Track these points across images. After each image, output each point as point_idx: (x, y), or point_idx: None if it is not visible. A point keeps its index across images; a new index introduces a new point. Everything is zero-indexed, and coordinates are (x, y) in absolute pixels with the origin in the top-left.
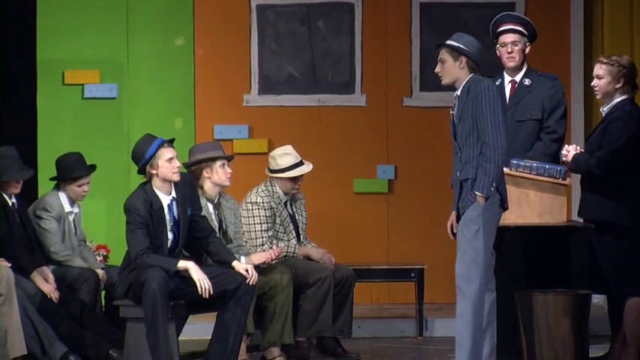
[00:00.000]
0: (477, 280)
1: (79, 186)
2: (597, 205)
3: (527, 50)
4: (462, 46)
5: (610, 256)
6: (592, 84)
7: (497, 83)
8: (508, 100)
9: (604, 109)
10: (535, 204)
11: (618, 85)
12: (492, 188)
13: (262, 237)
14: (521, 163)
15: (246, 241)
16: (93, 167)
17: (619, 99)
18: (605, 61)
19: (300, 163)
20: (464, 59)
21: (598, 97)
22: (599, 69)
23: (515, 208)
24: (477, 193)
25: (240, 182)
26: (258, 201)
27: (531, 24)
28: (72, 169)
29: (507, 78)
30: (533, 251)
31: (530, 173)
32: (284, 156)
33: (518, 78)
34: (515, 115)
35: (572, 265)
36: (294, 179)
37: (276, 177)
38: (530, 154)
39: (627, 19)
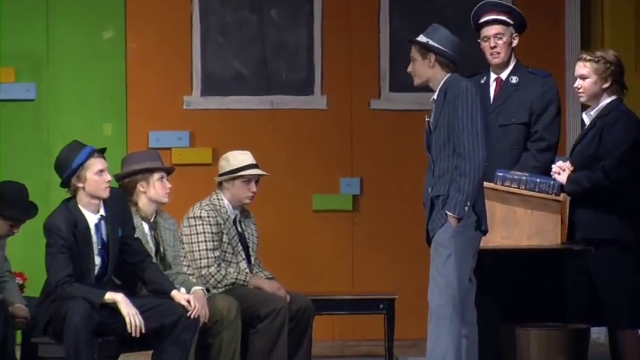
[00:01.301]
0: (450, 313)
1: (10, 225)
2: (592, 223)
3: (514, 43)
4: (429, 41)
5: (612, 282)
6: (575, 85)
7: (483, 81)
8: (492, 102)
9: (590, 114)
10: (524, 223)
11: (606, 85)
12: (466, 207)
13: (208, 257)
14: (508, 176)
15: (189, 265)
16: (34, 209)
17: (607, 100)
18: (588, 58)
19: (257, 167)
20: (432, 57)
21: (582, 99)
22: (582, 68)
23: (501, 228)
24: (449, 212)
25: (180, 198)
26: (202, 215)
27: (517, 11)
28: (7, 206)
29: (493, 76)
30: (523, 278)
31: (518, 188)
32: (238, 155)
33: (504, 75)
34: (498, 118)
35: (568, 295)
36: (248, 183)
37: (228, 179)
38: (516, 168)
39: (632, 7)
